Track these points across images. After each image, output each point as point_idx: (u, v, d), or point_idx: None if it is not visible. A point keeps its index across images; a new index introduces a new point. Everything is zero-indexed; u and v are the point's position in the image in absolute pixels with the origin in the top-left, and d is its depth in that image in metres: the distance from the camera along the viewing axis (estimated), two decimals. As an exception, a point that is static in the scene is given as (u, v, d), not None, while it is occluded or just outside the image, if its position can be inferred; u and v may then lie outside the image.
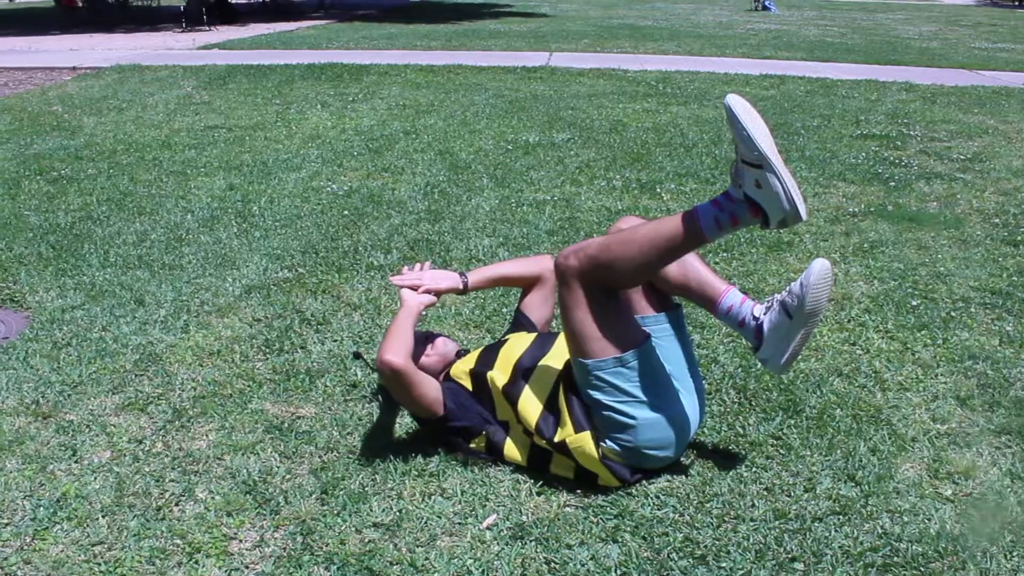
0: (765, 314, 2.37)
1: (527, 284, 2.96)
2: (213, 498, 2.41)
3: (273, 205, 5.17)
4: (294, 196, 5.34)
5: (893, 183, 5.76)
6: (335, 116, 7.92)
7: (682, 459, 2.53)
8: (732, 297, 2.45)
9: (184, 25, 18.36)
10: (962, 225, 4.86)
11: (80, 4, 22.18)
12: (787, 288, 2.34)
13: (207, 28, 18.09)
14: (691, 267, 2.48)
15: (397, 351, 2.43)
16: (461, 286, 2.80)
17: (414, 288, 2.70)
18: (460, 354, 2.82)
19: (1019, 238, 4.63)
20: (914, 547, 2.19)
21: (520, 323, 2.89)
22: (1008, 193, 5.56)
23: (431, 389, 2.52)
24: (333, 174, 5.88)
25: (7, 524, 2.31)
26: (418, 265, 2.85)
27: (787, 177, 2.11)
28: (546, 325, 2.93)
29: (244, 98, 8.91)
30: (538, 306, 2.92)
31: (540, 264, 2.95)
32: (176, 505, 2.39)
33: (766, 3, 24.39)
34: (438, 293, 2.77)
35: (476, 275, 2.85)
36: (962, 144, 7.01)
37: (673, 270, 2.46)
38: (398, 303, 3.63)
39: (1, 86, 10.06)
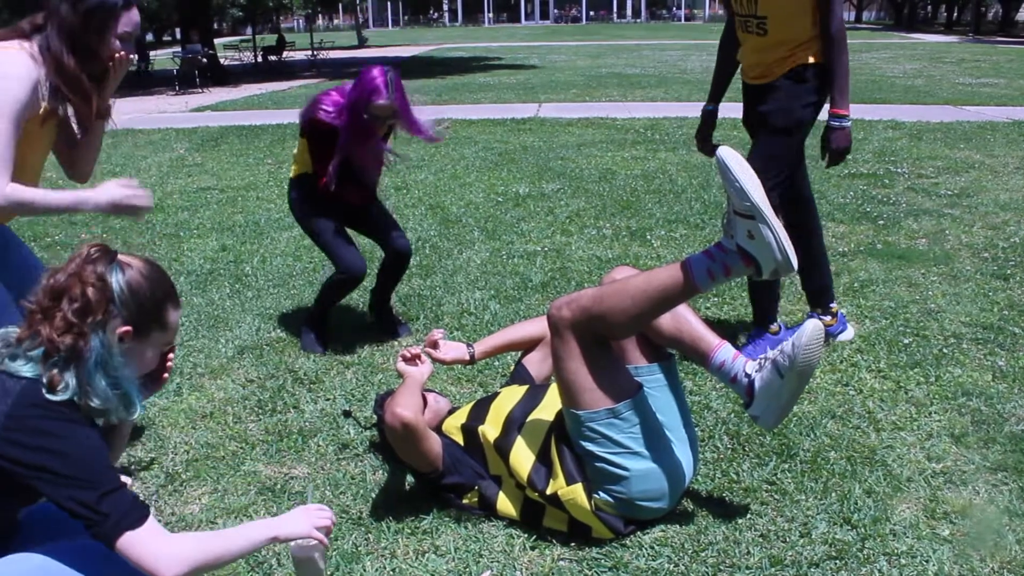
0: (757, 372, 2.37)
1: (534, 344, 2.97)
2: (205, 564, 2.39)
3: (265, 265, 5.20)
4: (286, 255, 5.37)
5: (882, 221, 5.79)
6: (327, 173, 7.98)
7: (676, 507, 2.52)
8: (725, 353, 2.45)
9: (177, 88, 18.59)
10: (951, 261, 4.89)
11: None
12: (779, 347, 2.35)
13: (200, 90, 18.32)
14: (684, 320, 2.49)
15: (407, 406, 2.44)
16: (468, 357, 2.85)
17: (416, 358, 2.72)
18: (452, 410, 2.82)
19: (1008, 272, 4.65)
20: (912, 590, 2.18)
21: (519, 375, 2.91)
22: (996, 227, 5.60)
23: (435, 444, 2.53)
24: (325, 231, 5.90)
25: (-3, 598, 2.28)
26: (434, 331, 2.87)
27: (779, 228, 2.14)
28: (545, 380, 2.93)
29: (236, 159, 9.00)
30: (539, 361, 2.93)
31: (544, 324, 2.97)
32: (168, 572, 2.36)
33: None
34: (445, 363, 2.83)
35: (483, 345, 2.90)
36: (949, 180, 7.07)
37: (666, 322, 2.47)
38: (391, 361, 3.65)
39: (-4, 155, 10.13)
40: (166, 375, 2.10)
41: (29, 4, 2.66)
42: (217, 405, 3.36)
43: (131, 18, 2.46)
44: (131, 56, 2.52)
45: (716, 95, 3.81)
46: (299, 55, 26.99)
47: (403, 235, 3.96)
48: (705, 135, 3.83)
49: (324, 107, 3.53)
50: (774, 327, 3.69)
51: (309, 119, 3.58)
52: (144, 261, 1.84)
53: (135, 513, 1.69)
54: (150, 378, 2.05)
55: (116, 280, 1.75)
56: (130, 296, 1.76)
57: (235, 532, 1.85)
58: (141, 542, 1.68)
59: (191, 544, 1.74)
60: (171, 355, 2.09)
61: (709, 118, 3.81)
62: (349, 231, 3.84)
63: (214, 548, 1.76)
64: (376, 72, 3.45)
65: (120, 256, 1.80)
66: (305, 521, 1.91)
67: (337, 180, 3.60)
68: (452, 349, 2.84)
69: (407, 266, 4.02)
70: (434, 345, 2.82)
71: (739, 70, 3.67)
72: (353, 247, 3.76)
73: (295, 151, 3.83)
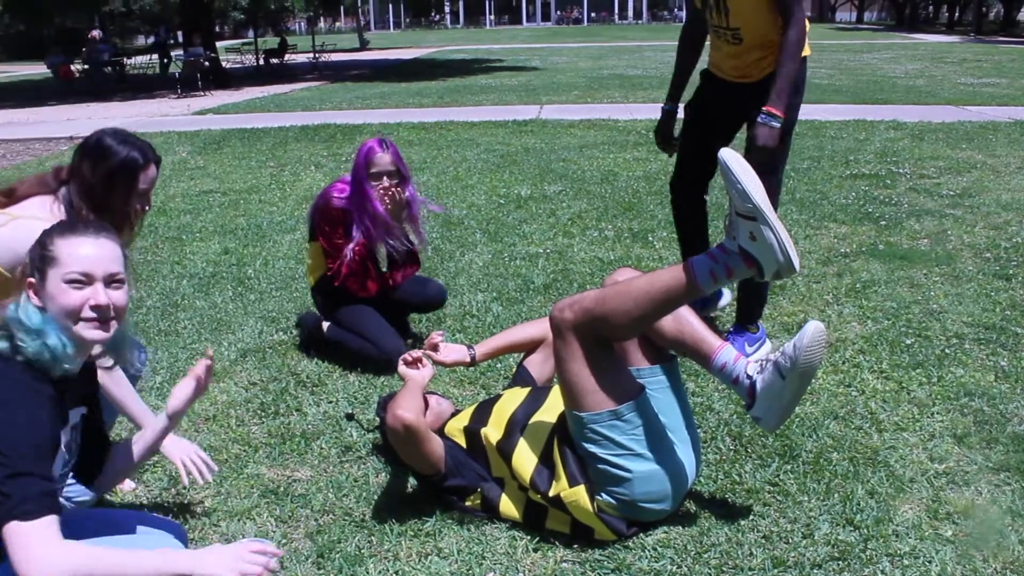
0: (759, 373, 2.37)
1: (535, 346, 2.98)
2: (209, 567, 2.39)
3: (268, 267, 5.20)
4: (288, 258, 5.38)
5: (884, 222, 5.79)
6: (329, 177, 7.98)
7: (678, 509, 2.52)
8: (726, 354, 2.46)
9: (180, 91, 18.60)
10: (953, 261, 4.88)
11: (77, 75, 22.51)
12: (780, 349, 2.35)
13: (202, 93, 18.33)
14: (686, 322, 2.49)
15: (409, 408, 2.45)
16: (468, 359, 2.87)
17: (417, 361, 2.73)
18: (454, 413, 2.82)
19: (1011, 272, 4.65)
20: (915, 591, 2.18)
21: (521, 377, 2.92)
22: (998, 227, 5.60)
23: (437, 446, 2.53)
24: (327, 234, 5.91)
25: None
26: (434, 334, 2.88)
27: (781, 229, 2.15)
28: (546, 382, 2.94)
29: (238, 162, 9.01)
30: (540, 363, 2.94)
31: (546, 325, 2.98)
32: (172, 575, 2.37)
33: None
34: (445, 365, 2.84)
35: (484, 347, 2.92)
36: (951, 180, 7.06)
37: (668, 324, 2.48)
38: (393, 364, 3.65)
39: (-1, 158, 10.17)
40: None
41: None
42: (220, 408, 3.36)
43: (148, 175, 2.56)
44: (147, 209, 2.62)
45: (676, 95, 3.86)
46: (301, 58, 26.96)
47: (436, 283, 4.11)
48: (667, 134, 3.87)
49: (334, 194, 3.68)
50: (752, 327, 3.76)
51: (322, 208, 3.68)
52: None
53: (35, 504, 1.58)
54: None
55: None
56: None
57: (140, 555, 1.69)
58: (23, 536, 1.55)
59: (79, 556, 1.59)
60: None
61: (670, 118, 3.86)
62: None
63: (105, 566, 1.60)
64: (369, 140, 3.66)
65: None
66: (229, 565, 1.69)
67: (359, 270, 3.69)
68: (453, 351, 2.85)
69: (437, 309, 4.11)
70: (435, 347, 2.83)
71: (708, 64, 3.70)
72: (390, 330, 3.75)
73: (308, 261, 3.92)
